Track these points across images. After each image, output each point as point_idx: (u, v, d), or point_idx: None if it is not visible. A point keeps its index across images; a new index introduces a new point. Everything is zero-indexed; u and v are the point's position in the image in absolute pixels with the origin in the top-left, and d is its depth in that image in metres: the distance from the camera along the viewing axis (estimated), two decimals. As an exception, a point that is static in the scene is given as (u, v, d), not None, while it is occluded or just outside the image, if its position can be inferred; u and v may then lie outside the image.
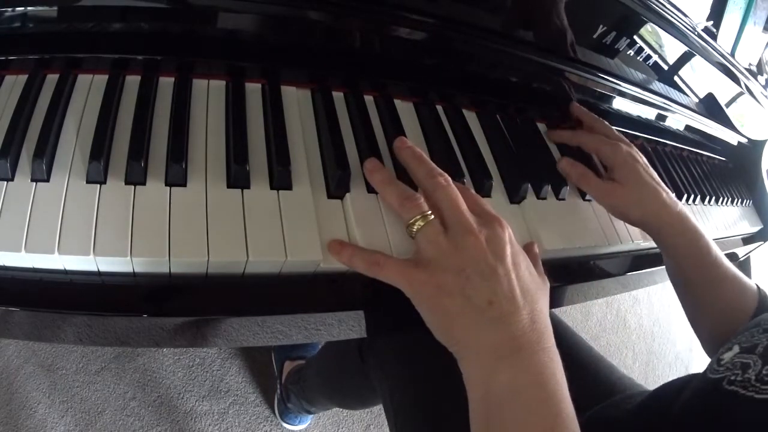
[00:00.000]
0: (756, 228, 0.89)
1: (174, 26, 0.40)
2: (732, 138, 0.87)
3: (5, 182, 0.32)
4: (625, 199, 0.50)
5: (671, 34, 0.57)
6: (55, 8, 0.36)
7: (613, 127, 0.57)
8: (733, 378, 0.35)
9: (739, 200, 0.85)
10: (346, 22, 0.43)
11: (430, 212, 0.36)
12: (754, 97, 0.77)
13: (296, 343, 0.84)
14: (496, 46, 0.49)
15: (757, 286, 0.51)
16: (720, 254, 0.50)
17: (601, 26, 0.51)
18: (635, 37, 0.54)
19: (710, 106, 0.73)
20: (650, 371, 1.79)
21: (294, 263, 0.35)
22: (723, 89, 0.72)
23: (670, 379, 0.48)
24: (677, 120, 0.74)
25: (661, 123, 0.74)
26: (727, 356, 0.38)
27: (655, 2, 0.53)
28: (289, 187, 0.38)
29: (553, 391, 0.32)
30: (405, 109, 0.50)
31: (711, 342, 0.52)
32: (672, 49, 0.60)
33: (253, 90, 0.44)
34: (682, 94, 0.67)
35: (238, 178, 0.37)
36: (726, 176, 0.87)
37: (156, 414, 1.02)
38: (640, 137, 0.72)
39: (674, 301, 0.60)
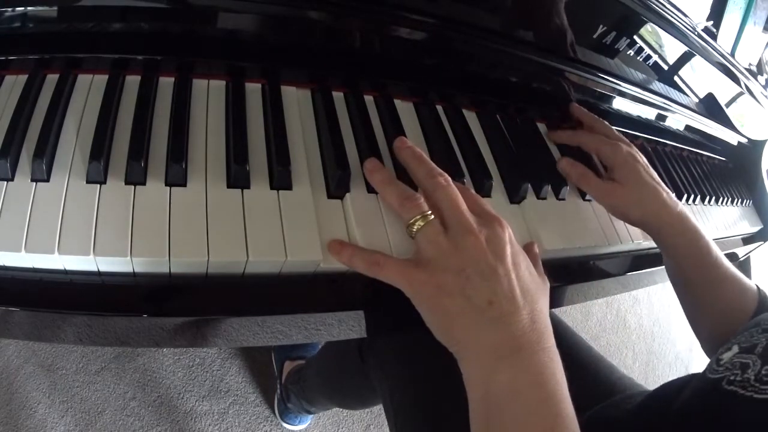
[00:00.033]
0: (756, 228, 0.89)
1: (174, 26, 0.40)
2: (732, 138, 0.87)
3: (5, 182, 0.32)
4: (625, 199, 0.50)
5: (671, 34, 0.57)
6: (55, 8, 0.36)
7: (613, 127, 0.57)
8: (732, 378, 0.35)
9: (739, 200, 0.85)
10: (346, 22, 0.43)
11: (430, 212, 0.36)
12: (754, 97, 0.77)
13: (296, 343, 0.84)
14: (496, 46, 0.49)
15: (756, 286, 0.51)
16: (720, 254, 0.50)
17: (601, 26, 0.51)
18: (635, 37, 0.54)
19: (710, 106, 0.73)
20: (650, 371, 1.79)
21: (294, 263, 0.35)
22: (723, 89, 0.72)
23: (670, 379, 0.48)
24: (677, 120, 0.74)
25: (661, 123, 0.74)
26: (727, 356, 0.38)
27: (655, 2, 0.53)
28: (289, 187, 0.38)
29: (553, 391, 0.32)
30: (405, 109, 0.50)
31: (711, 342, 0.52)
32: (672, 49, 0.60)
33: (253, 90, 0.44)
34: (682, 94, 0.67)
35: (238, 178, 0.37)
36: (726, 176, 0.87)
37: (156, 414, 1.02)
38: (640, 137, 0.72)
39: (674, 301, 0.59)
